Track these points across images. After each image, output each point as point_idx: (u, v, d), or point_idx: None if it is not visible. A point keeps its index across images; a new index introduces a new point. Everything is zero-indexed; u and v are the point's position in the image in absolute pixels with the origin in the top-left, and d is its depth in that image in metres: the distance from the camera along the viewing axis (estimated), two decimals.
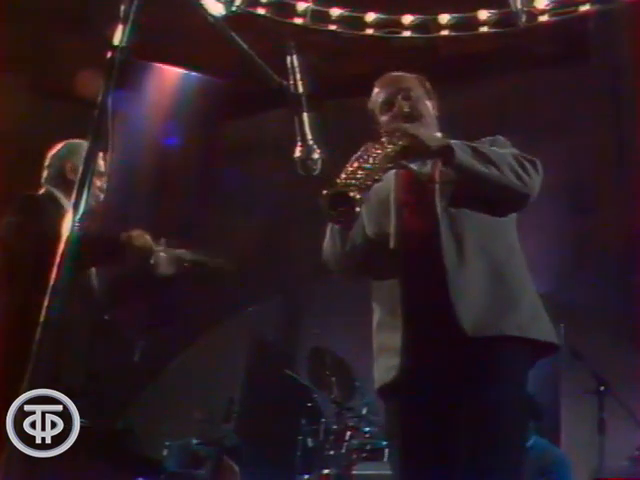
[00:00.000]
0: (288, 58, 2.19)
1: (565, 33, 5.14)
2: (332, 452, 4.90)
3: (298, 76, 2.18)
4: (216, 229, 6.67)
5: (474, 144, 2.35)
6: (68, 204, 2.78)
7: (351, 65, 5.94)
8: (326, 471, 4.81)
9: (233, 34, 2.06)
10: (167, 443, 5.68)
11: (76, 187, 1.62)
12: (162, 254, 3.15)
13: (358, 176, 2.09)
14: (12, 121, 5.21)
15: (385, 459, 4.55)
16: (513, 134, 2.42)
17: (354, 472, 4.64)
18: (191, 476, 5.58)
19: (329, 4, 4.39)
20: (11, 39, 5.08)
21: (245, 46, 2.06)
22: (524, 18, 3.84)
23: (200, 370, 7.04)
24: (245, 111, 6.58)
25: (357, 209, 2.03)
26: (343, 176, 2.10)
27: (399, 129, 2.32)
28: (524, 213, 2.42)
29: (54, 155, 3.27)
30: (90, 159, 1.67)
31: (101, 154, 1.80)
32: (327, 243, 2.43)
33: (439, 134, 2.49)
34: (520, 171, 2.29)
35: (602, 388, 4.94)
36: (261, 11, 4.29)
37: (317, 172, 2.16)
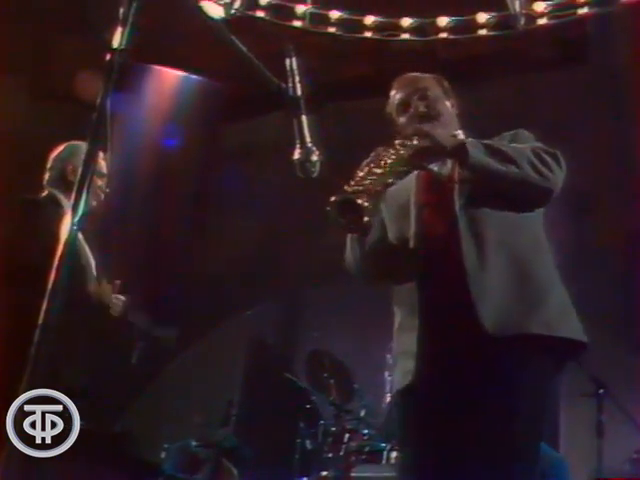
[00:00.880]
0: (287, 61, 2.19)
1: (564, 36, 5.15)
2: (330, 454, 4.89)
3: (297, 79, 2.18)
4: (215, 231, 6.67)
5: (491, 141, 2.31)
6: (69, 206, 2.78)
7: (350, 68, 5.95)
8: (324, 473, 4.80)
9: (232, 37, 2.06)
10: (165, 446, 5.67)
11: (75, 189, 1.63)
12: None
13: (367, 182, 2.07)
14: (11, 123, 5.20)
15: (384, 462, 4.55)
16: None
17: (353, 474, 4.63)
18: None
19: (328, 7, 4.39)
20: (10, 41, 5.08)
21: (244, 49, 2.06)
22: (523, 21, 3.84)
23: (199, 372, 7.03)
24: (244, 113, 6.58)
25: (366, 217, 2.00)
26: (352, 183, 2.07)
27: (414, 130, 2.28)
28: None
29: (55, 157, 3.29)
30: (89, 161, 1.67)
31: (101, 155, 1.81)
32: (347, 250, 2.39)
33: (460, 132, 2.46)
34: (539, 165, 2.23)
35: (601, 391, 4.93)
36: (260, 14, 4.29)
37: (316, 174, 2.16)
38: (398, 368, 2.34)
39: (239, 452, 5.74)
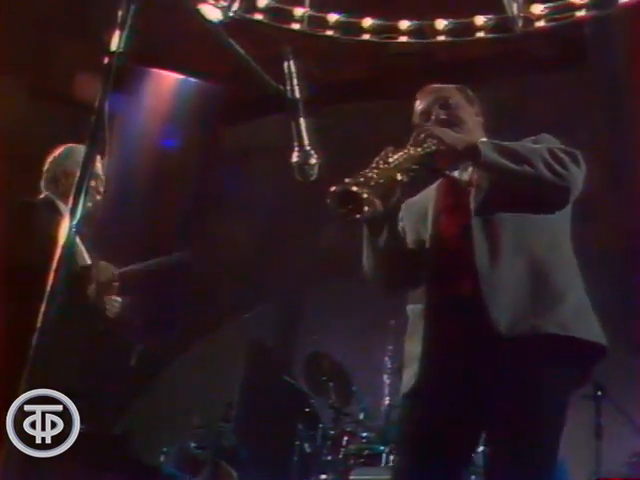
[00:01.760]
0: (285, 63, 2.19)
1: (562, 38, 5.15)
2: (329, 457, 4.90)
3: (295, 81, 2.18)
4: (213, 234, 6.67)
5: (506, 143, 2.28)
6: (66, 209, 2.78)
7: (348, 70, 5.96)
8: (323, 476, 4.81)
9: (230, 39, 2.07)
10: (164, 449, 5.67)
11: (73, 191, 1.63)
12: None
13: (369, 174, 2.06)
14: (9, 125, 5.20)
15: (382, 464, 4.55)
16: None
17: (351, 477, 4.63)
18: None
19: (326, 10, 4.40)
20: (9, 43, 5.08)
21: (242, 51, 2.07)
22: (521, 23, 3.85)
23: (198, 375, 7.03)
24: (242, 116, 6.58)
25: (365, 208, 1.99)
26: (355, 176, 2.07)
27: (425, 131, 2.26)
28: None
29: (52, 160, 3.28)
30: (87, 163, 1.67)
31: (99, 158, 1.81)
32: (364, 256, 2.38)
33: (484, 139, 2.41)
34: (554, 164, 2.19)
35: (599, 393, 4.93)
36: (258, 17, 4.30)
37: (314, 177, 2.17)
38: (407, 370, 2.33)
39: (236, 452, 5.74)
